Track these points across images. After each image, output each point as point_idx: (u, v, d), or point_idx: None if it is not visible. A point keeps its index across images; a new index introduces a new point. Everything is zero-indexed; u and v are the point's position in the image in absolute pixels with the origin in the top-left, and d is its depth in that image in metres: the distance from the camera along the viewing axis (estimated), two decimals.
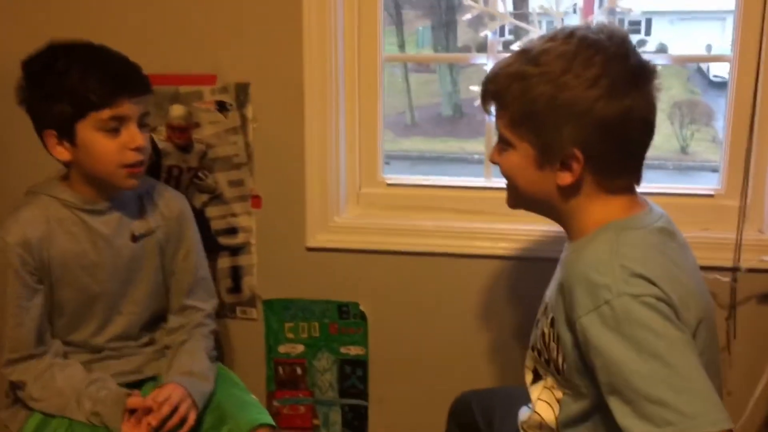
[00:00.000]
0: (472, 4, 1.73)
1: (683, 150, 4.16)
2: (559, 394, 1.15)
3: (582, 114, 1.05)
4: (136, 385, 1.54)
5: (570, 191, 1.12)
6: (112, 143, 1.40)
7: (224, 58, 1.78)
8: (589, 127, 1.06)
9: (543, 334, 1.16)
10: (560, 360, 1.12)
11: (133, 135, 1.41)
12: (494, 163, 1.20)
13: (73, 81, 1.38)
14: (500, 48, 1.77)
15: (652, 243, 1.08)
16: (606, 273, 1.02)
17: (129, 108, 1.40)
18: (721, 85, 3.38)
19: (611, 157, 1.09)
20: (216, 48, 1.77)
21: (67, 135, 1.41)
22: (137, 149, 1.42)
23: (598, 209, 1.12)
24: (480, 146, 3.18)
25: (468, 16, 1.75)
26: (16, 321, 1.43)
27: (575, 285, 1.04)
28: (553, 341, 1.13)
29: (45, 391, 1.44)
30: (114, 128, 1.40)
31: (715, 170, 1.82)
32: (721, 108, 3.42)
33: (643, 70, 1.08)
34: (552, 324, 1.13)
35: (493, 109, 1.15)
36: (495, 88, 1.13)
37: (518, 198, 1.19)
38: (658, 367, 0.95)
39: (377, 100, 1.83)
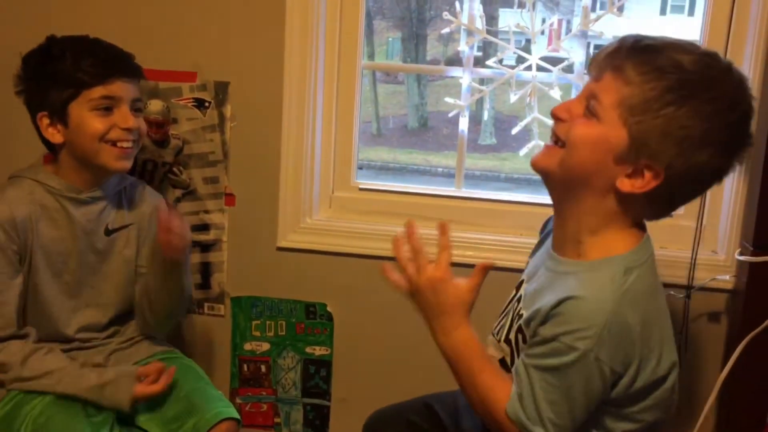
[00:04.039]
0: (451, 18, 1.78)
1: None
2: None
3: (693, 146, 1.01)
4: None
5: (613, 198, 1.07)
6: (103, 122, 1.44)
7: (205, 56, 1.80)
8: (688, 161, 1.02)
9: (512, 338, 1.19)
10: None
11: (124, 115, 1.46)
12: (559, 118, 1.10)
13: (67, 64, 1.43)
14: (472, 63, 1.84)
15: (649, 291, 1.09)
16: (592, 325, 1.02)
17: (121, 88, 1.45)
18: None
19: (675, 198, 1.10)
20: (197, 46, 1.80)
21: (60, 116, 1.45)
22: (127, 130, 1.45)
23: (613, 234, 1.10)
24: (444, 159, 3.23)
25: (446, 30, 1.81)
26: (0, 299, 1.43)
27: (565, 310, 1.04)
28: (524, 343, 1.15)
29: (35, 372, 1.44)
30: (106, 107, 1.44)
31: None
32: None
33: (749, 144, 1.08)
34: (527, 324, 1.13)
35: (602, 74, 1.05)
36: (636, 62, 1.02)
37: (561, 164, 1.08)
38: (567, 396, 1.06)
39: (354, 106, 1.87)
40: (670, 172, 1.03)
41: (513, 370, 1.13)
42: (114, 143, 1.46)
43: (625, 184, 1.05)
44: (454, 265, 1.86)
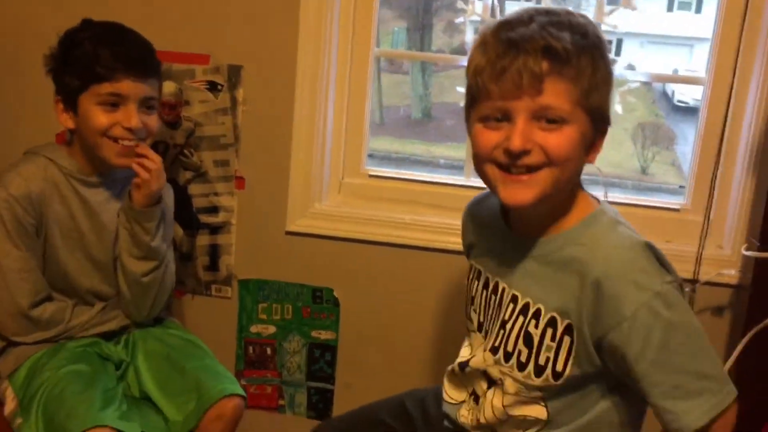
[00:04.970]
0: (464, 7, 1.79)
1: (643, 170, 4.28)
2: (535, 394, 1.15)
3: (611, 87, 1.10)
4: (107, 337, 1.59)
5: (579, 173, 1.12)
6: (107, 118, 1.46)
7: (219, 39, 1.80)
8: (609, 102, 1.10)
9: (528, 334, 1.13)
10: (558, 363, 1.10)
11: (129, 115, 1.46)
12: (525, 150, 1.04)
13: (84, 52, 1.45)
14: None
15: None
16: (644, 266, 1.04)
17: (130, 86, 1.46)
18: (684, 110, 3.52)
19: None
20: (211, 28, 1.80)
21: (71, 104, 1.48)
22: (129, 129, 1.46)
23: (584, 196, 1.16)
24: (447, 150, 3.24)
25: (460, 19, 1.81)
26: (28, 266, 1.48)
27: (616, 281, 1.04)
28: (551, 341, 1.11)
29: (76, 322, 1.55)
30: (112, 104, 1.45)
31: (672, 193, 1.91)
32: (682, 132, 3.55)
33: None
34: (551, 323, 1.10)
35: (540, 86, 1.03)
36: (563, 63, 1.03)
37: (555, 184, 1.07)
38: (702, 341, 1.05)
39: (366, 93, 1.88)
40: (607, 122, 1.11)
41: (656, 405, 1.06)
42: (116, 140, 1.47)
43: (592, 156, 1.12)
44: (462, 253, 1.88)
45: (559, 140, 1.05)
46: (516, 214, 1.20)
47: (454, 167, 2.03)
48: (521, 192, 1.07)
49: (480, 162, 1.11)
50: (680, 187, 1.90)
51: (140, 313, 1.60)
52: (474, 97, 1.10)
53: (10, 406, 1.47)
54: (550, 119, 1.04)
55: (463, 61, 1.91)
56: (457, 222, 1.84)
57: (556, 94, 1.03)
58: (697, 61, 2.48)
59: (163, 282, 1.58)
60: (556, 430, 1.16)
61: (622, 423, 1.16)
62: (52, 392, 1.40)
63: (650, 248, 1.07)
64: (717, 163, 1.73)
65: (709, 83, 1.73)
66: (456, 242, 1.82)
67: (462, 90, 1.79)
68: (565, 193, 1.13)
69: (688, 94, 3.41)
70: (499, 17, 1.74)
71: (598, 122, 1.09)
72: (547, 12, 1.07)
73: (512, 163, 1.06)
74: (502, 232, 1.22)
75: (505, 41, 1.04)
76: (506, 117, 1.06)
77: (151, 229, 1.52)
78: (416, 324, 1.90)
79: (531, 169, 1.06)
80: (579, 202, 1.15)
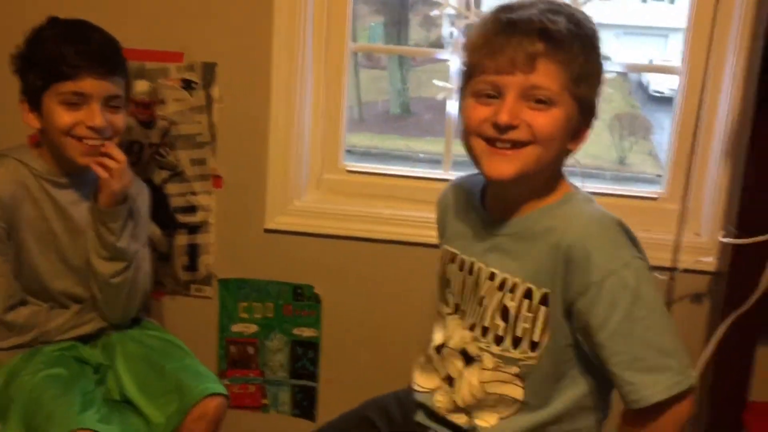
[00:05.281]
0: (439, 0, 1.78)
1: (621, 161, 4.33)
2: (512, 369, 1.16)
3: (600, 82, 1.14)
4: (84, 340, 1.58)
5: (558, 158, 1.15)
6: (69, 117, 1.44)
7: (192, 36, 1.79)
8: (597, 96, 1.15)
9: (504, 308, 1.16)
10: (534, 333, 1.13)
11: (92, 114, 1.44)
12: (513, 126, 1.08)
13: (46, 50, 1.43)
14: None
15: None
16: (616, 238, 1.08)
17: (92, 85, 1.43)
18: (659, 100, 3.54)
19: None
20: (184, 26, 1.78)
21: (36, 105, 1.46)
22: (92, 128, 1.44)
23: (563, 183, 1.20)
24: (427, 145, 3.24)
25: (435, 12, 1.81)
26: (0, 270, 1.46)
27: (587, 248, 1.07)
28: (528, 312, 1.13)
29: (51, 325, 1.53)
30: (74, 103, 1.43)
31: (650, 182, 1.93)
32: (658, 122, 3.57)
33: None
34: (527, 295, 1.13)
35: (533, 65, 1.07)
36: (557, 46, 1.07)
37: (538, 161, 1.10)
38: (667, 320, 1.08)
39: (342, 88, 1.87)
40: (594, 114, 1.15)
41: (615, 375, 1.08)
42: (80, 139, 1.45)
43: (575, 145, 1.16)
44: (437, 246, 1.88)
45: (545, 120, 1.09)
46: (494, 194, 1.22)
47: (434, 161, 2.03)
48: (504, 165, 1.11)
49: (467, 135, 1.15)
50: (657, 176, 1.92)
51: (114, 315, 1.58)
52: (469, 74, 1.14)
53: None
54: (539, 99, 1.09)
55: (441, 54, 1.92)
56: (435, 215, 1.85)
57: (547, 75, 1.08)
58: (672, 51, 2.49)
59: (135, 282, 1.56)
60: (531, 413, 1.18)
61: (596, 408, 1.19)
62: (30, 396, 1.38)
63: (622, 225, 1.11)
64: (693, 151, 1.74)
65: (684, 73, 1.74)
66: (433, 236, 1.83)
67: (440, 84, 1.80)
68: (546, 177, 1.16)
69: (663, 84, 3.44)
70: (473, 9, 1.75)
71: (585, 112, 1.13)
72: (548, 1, 1.12)
73: (498, 137, 1.10)
74: (479, 214, 1.25)
75: (504, 22, 1.09)
76: (498, 93, 1.10)
77: (116, 229, 1.50)
78: (398, 318, 1.90)
79: (516, 145, 1.10)
80: (558, 188, 1.18)
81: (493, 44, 1.09)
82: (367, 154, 2.11)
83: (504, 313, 1.16)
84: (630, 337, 1.06)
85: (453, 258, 1.28)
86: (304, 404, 1.97)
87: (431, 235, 1.81)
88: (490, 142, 1.11)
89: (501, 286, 1.17)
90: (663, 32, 3.64)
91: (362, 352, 1.92)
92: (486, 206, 1.24)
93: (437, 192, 1.87)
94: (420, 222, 1.84)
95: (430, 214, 1.83)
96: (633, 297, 1.06)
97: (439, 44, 2.59)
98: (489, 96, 1.11)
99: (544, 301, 1.13)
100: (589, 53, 1.11)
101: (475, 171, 1.19)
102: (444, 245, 1.34)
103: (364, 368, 1.92)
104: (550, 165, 1.14)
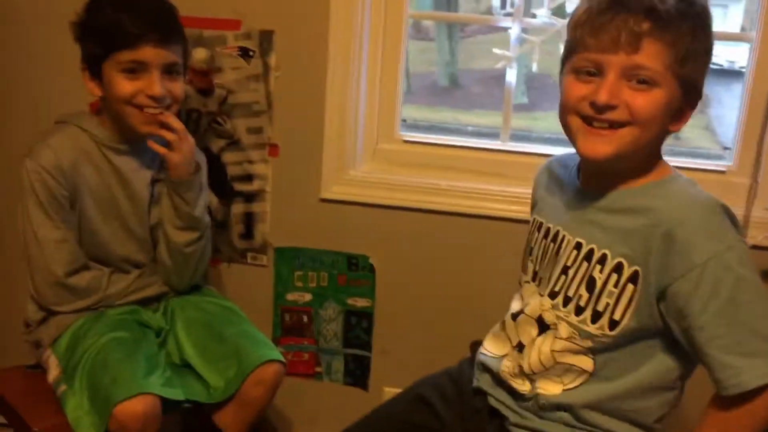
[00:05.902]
0: None
1: (676, 136, 4.22)
2: (586, 343, 1.15)
3: (708, 61, 1.11)
4: (144, 304, 1.60)
5: (660, 138, 1.13)
6: (130, 86, 1.44)
7: (250, 4, 1.78)
8: (704, 76, 1.12)
9: (591, 279, 1.13)
10: (616, 311, 1.11)
11: (151, 82, 1.44)
12: (613, 106, 1.07)
13: (104, 19, 1.43)
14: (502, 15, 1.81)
15: None
16: (720, 220, 1.06)
17: (151, 53, 1.43)
18: (718, 73, 3.42)
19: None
20: None
21: (97, 73, 1.46)
22: (152, 97, 1.44)
23: (662, 164, 1.17)
24: (475, 118, 3.19)
25: None
26: (63, 236, 1.48)
27: (689, 231, 1.05)
28: (614, 287, 1.11)
29: (113, 290, 1.55)
30: (133, 70, 1.43)
31: (706, 157, 1.87)
32: (716, 95, 3.46)
33: None
34: (617, 269, 1.11)
35: (638, 45, 1.05)
36: (664, 25, 1.05)
37: (636, 143, 1.09)
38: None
39: (400, 57, 1.85)
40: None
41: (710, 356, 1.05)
42: (141, 108, 1.45)
43: (677, 126, 1.13)
44: (499, 219, 1.86)
45: (646, 100, 1.07)
46: (590, 170, 1.20)
47: (482, 134, 2.01)
48: (600, 145, 1.10)
49: (565, 112, 1.14)
50: (719, 150, 1.85)
51: (181, 283, 1.61)
52: (571, 50, 1.13)
53: (53, 373, 1.49)
54: (641, 79, 1.07)
55: (502, 21, 1.87)
56: (494, 187, 1.82)
57: (651, 55, 1.05)
58: (731, 23, 2.39)
59: (204, 252, 1.58)
60: (599, 384, 1.16)
61: (665, 388, 1.16)
62: (96, 359, 1.41)
63: (725, 208, 1.09)
64: (765, 124, 1.67)
65: (757, 41, 1.67)
66: (492, 208, 1.82)
67: (500, 52, 1.76)
68: (643, 157, 1.14)
69: (722, 56, 3.32)
70: None
71: (689, 92, 1.10)
72: None
73: (596, 116, 1.09)
74: (572, 186, 1.23)
75: None
76: (599, 71, 1.08)
77: (191, 199, 1.52)
78: (452, 290, 1.88)
79: (613, 125, 1.08)
80: (656, 168, 1.16)
81: (596, 21, 1.07)
82: (415, 126, 2.10)
83: (590, 284, 1.14)
84: (733, 321, 1.03)
85: (539, 226, 1.28)
86: (357, 373, 1.98)
87: (488, 207, 1.81)
88: (587, 120, 1.10)
89: (588, 257, 1.15)
90: (723, 2, 3.51)
91: (415, 323, 1.92)
92: (581, 179, 1.23)
93: (495, 163, 1.85)
94: (477, 193, 1.82)
95: (488, 186, 1.82)
96: (736, 280, 1.03)
97: (489, 13, 2.53)
98: (589, 73, 1.09)
99: (634, 279, 1.10)
100: (697, 32, 1.07)
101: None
102: (533, 215, 1.34)
103: (416, 339, 1.92)
104: (649, 146, 1.12)
